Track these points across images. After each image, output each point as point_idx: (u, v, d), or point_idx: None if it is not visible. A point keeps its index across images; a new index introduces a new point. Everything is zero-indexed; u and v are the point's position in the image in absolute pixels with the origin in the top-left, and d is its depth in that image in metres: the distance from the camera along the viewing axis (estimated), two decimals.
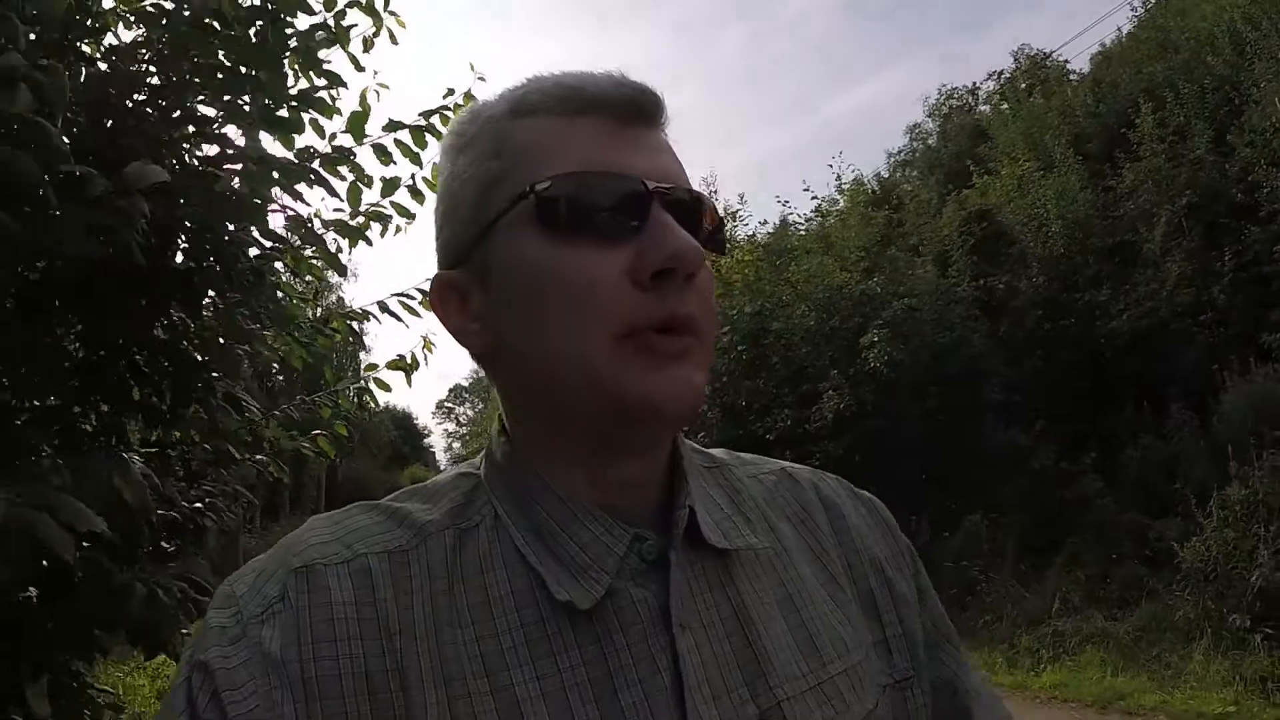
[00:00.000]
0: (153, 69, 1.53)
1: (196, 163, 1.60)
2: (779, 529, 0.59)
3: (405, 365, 2.49)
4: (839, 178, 14.05)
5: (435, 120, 2.06)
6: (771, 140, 69.32)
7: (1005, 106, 17.81)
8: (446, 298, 0.54)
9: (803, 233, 13.08)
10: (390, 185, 2.05)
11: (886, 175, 20.87)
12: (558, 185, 0.48)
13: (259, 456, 2.05)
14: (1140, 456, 7.13)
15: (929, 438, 7.86)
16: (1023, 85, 20.54)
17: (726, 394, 9.16)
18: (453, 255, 0.54)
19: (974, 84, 22.33)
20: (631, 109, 0.51)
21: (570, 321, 0.47)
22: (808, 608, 0.55)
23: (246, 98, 1.53)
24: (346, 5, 1.82)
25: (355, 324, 2.33)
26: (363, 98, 2.01)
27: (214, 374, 1.72)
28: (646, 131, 0.52)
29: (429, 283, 0.56)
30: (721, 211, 0.48)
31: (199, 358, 1.71)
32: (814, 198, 14.78)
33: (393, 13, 1.98)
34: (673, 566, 0.50)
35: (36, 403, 1.57)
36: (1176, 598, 5.47)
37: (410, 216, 2.11)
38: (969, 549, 7.46)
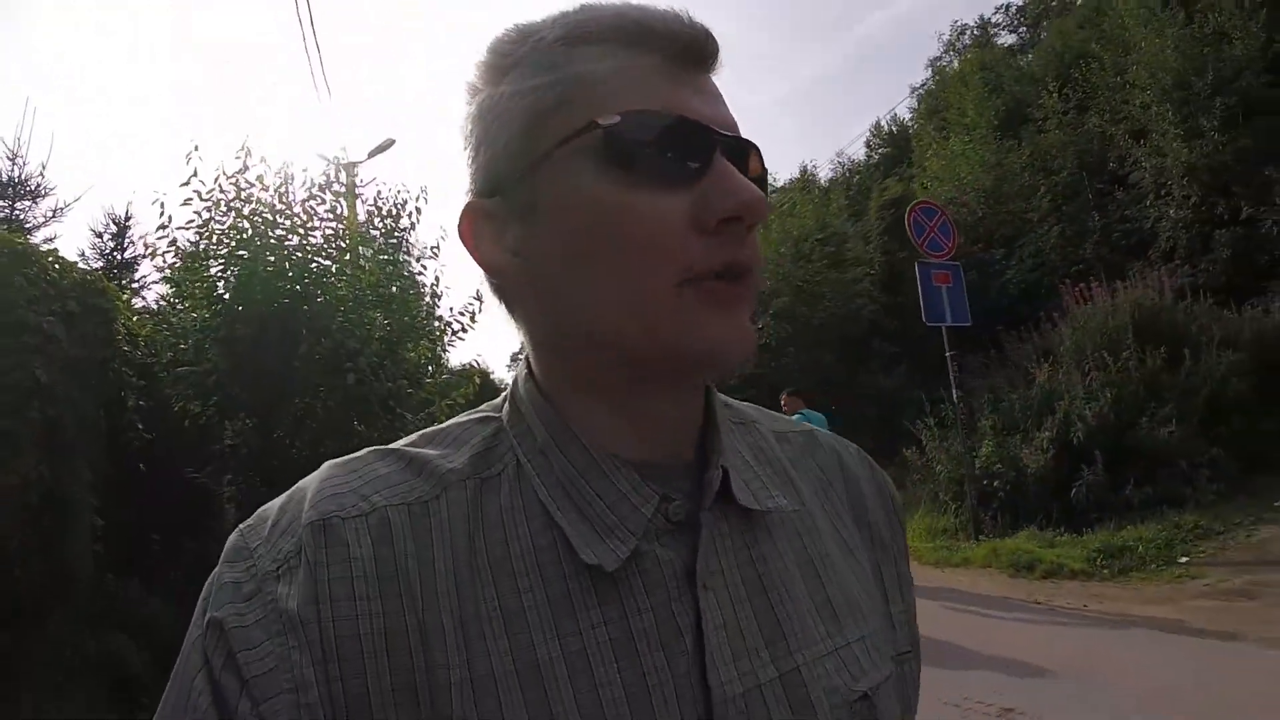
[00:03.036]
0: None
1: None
2: (802, 492, 0.58)
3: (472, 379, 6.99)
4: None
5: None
6: (808, 68, 65.97)
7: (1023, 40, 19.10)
8: (478, 228, 0.51)
9: None
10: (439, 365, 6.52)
11: (914, 110, 22.91)
12: (628, 122, 0.46)
13: None
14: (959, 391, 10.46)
15: (826, 384, 11.47)
16: (1037, 10, 21.88)
17: None
18: (489, 183, 0.51)
19: (983, 17, 23.50)
20: (693, 51, 0.50)
21: (631, 264, 0.46)
22: (828, 572, 0.55)
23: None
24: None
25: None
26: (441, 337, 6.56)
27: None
28: (701, 75, 0.51)
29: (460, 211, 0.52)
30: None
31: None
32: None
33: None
34: (703, 529, 0.50)
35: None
36: (916, 483, 9.12)
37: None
38: None
